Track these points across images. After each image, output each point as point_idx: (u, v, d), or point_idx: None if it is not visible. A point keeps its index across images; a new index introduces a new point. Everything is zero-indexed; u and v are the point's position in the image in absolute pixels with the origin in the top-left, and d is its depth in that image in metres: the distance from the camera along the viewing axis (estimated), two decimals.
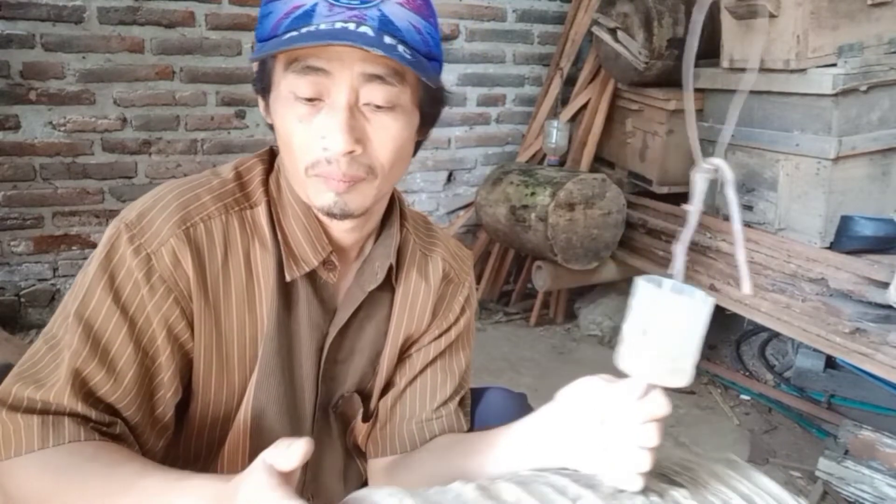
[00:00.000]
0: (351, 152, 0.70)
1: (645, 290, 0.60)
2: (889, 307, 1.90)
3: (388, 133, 0.73)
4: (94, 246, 2.64)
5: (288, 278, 0.79)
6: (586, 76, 3.13)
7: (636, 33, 2.74)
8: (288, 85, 0.71)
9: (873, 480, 1.81)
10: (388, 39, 0.68)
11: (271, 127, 0.83)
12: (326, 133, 0.70)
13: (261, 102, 0.81)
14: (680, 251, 0.62)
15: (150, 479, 0.62)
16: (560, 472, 0.68)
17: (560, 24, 3.32)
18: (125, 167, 2.67)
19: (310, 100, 0.71)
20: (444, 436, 0.90)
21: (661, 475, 0.69)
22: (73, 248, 2.67)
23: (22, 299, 2.63)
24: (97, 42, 2.53)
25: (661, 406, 0.60)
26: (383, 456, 0.91)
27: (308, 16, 0.69)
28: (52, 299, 2.67)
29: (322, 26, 0.67)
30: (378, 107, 0.71)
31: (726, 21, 2.39)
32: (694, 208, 0.62)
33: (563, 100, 3.15)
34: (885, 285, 1.89)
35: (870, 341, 1.94)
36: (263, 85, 0.77)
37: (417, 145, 0.82)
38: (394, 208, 0.88)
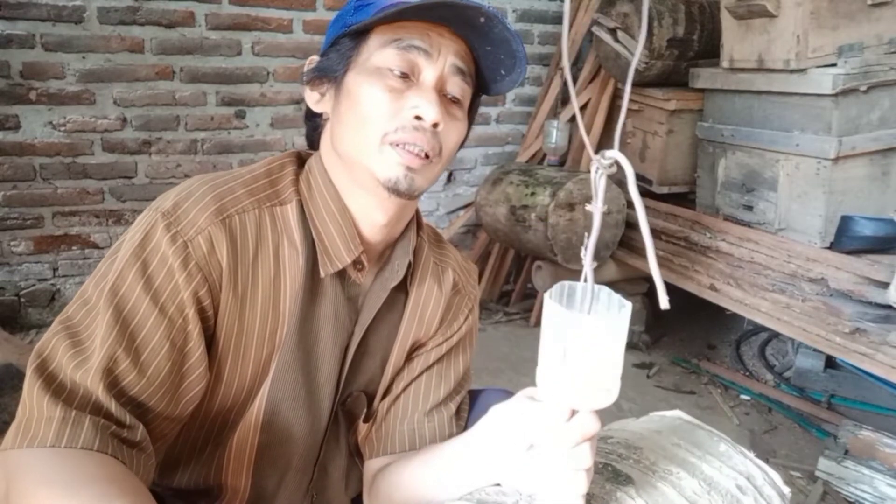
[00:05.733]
0: (437, 125, 0.77)
1: (556, 311, 0.54)
2: (889, 307, 1.90)
3: (455, 124, 0.81)
4: (94, 246, 2.68)
5: (322, 274, 0.81)
6: (586, 76, 3.13)
7: (636, 33, 2.74)
8: (384, 59, 0.77)
9: (873, 480, 1.81)
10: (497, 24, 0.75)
11: (308, 115, 0.87)
12: (420, 104, 0.76)
13: (310, 93, 0.85)
14: (588, 257, 0.56)
15: None
16: (501, 494, 0.67)
17: (560, 24, 3.32)
18: (125, 167, 2.67)
19: (403, 76, 0.77)
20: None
21: (605, 465, 0.69)
22: (73, 248, 2.67)
23: (22, 299, 2.63)
24: (97, 42, 2.54)
25: (590, 426, 0.59)
26: (377, 457, 0.92)
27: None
28: (52, 299, 2.67)
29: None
30: (453, 100, 0.81)
31: (726, 21, 2.39)
32: (597, 208, 0.55)
33: (563, 100, 3.15)
34: (885, 285, 1.90)
35: (870, 341, 1.94)
36: (336, 67, 0.80)
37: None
38: (412, 215, 0.91)
